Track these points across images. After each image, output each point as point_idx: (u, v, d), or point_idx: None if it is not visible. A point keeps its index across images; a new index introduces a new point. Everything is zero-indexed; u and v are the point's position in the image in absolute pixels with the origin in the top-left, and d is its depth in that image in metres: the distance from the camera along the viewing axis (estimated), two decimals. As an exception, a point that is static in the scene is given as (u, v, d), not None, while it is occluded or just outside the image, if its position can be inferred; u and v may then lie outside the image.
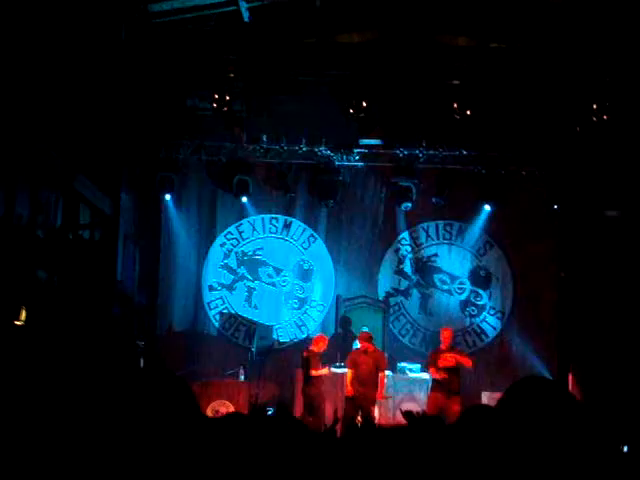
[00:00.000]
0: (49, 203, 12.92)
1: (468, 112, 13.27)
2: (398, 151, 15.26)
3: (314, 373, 13.33)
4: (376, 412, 13.88)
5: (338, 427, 8.24)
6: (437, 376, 12.97)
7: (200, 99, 14.07)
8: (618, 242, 14.89)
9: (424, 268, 16.31)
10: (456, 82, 13.18)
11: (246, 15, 13.18)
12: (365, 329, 14.12)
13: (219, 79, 13.54)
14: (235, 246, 16.48)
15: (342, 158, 15.57)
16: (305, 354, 13.51)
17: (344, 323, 15.62)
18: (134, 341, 14.72)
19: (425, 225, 16.36)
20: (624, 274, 14.75)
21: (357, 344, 13.91)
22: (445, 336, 13.36)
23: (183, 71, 13.75)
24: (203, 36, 13.41)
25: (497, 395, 14.60)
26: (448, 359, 13.00)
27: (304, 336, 16.05)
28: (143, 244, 15.94)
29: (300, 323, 16.25)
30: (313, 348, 13.56)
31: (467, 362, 13.12)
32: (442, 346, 13.30)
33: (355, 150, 15.52)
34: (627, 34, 12.41)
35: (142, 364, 14.54)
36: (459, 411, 11.95)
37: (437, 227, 16.40)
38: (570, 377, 13.66)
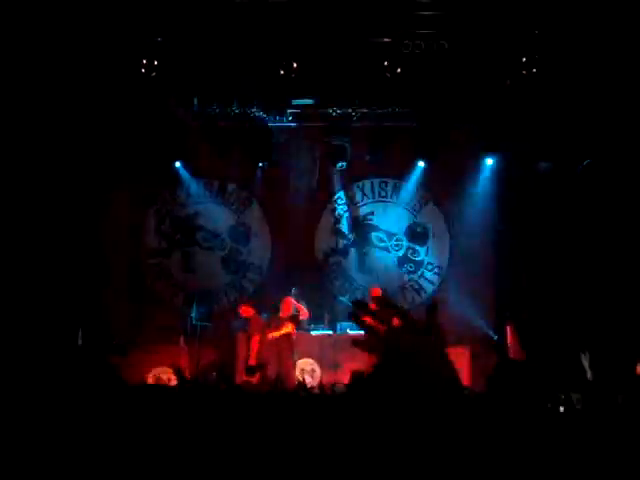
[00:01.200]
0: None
1: (398, 70, 13.22)
2: (331, 110, 15.17)
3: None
4: (318, 371, 13.98)
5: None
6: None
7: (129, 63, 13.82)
8: (551, 194, 15.05)
9: (361, 227, 16.34)
10: (386, 40, 13.12)
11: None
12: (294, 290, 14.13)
13: (146, 43, 13.28)
14: (171, 211, 16.33)
15: (275, 119, 15.45)
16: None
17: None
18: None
19: (360, 184, 16.37)
20: (558, 226, 14.93)
21: None
22: (374, 294, 13.38)
23: (111, 33, 13.45)
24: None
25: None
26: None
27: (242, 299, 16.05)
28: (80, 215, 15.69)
29: (239, 286, 16.20)
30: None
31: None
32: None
33: (288, 110, 15.40)
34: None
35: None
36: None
37: (372, 185, 16.42)
38: (508, 329, 13.81)
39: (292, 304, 13.66)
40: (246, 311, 13.61)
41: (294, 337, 13.53)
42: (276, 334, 13.20)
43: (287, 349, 13.33)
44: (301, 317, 13.69)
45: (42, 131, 14.31)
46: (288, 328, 13.31)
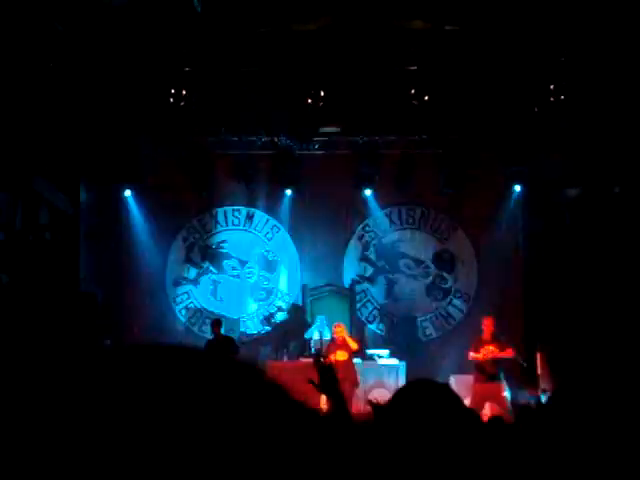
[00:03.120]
0: (8, 205, 12.76)
1: (426, 97, 13.25)
2: (358, 138, 15.20)
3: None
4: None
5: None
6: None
7: (158, 93, 13.92)
8: (579, 221, 14.96)
9: (388, 254, 16.30)
10: (413, 68, 13.15)
11: (198, 6, 13.03)
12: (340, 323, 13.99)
13: (174, 73, 13.39)
14: (198, 239, 16.38)
15: (302, 147, 15.49)
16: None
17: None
18: (100, 341, 14.59)
19: (388, 211, 16.35)
20: (586, 253, 14.83)
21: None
22: (486, 324, 13.31)
23: (140, 64, 13.57)
24: (156, 26, 13.23)
25: (466, 378, 14.69)
26: (489, 351, 13.11)
27: (271, 328, 16.06)
28: (105, 242, 15.77)
29: (267, 315, 16.20)
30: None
31: (508, 354, 13.06)
32: (484, 336, 13.30)
33: (315, 139, 15.44)
34: (582, 13, 12.42)
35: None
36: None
37: (400, 212, 16.40)
38: (538, 358, 13.71)
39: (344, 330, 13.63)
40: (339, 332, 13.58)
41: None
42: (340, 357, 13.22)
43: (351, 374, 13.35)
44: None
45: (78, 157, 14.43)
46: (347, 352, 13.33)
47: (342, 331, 13.48)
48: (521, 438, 3.72)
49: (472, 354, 13.12)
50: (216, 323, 14.32)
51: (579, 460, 3.36)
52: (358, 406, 13.79)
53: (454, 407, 2.56)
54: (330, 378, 4.74)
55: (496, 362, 13.21)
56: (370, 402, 7.34)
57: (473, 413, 2.68)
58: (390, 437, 2.50)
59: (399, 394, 2.68)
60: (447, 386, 2.80)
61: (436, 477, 2.41)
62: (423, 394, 2.58)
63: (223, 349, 13.72)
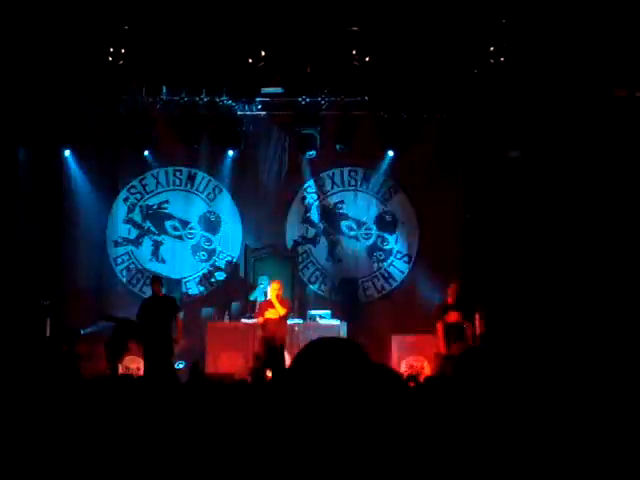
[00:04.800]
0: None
1: (367, 59, 13.23)
2: (300, 99, 15.14)
3: None
4: (287, 359, 14.00)
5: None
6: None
7: (97, 51, 13.73)
8: (520, 182, 15.11)
9: (330, 215, 16.34)
10: (355, 28, 13.11)
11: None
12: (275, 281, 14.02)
13: (113, 31, 13.20)
14: (139, 200, 16.28)
15: (244, 108, 15.41)
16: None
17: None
18: (39, 301, 14.50)
19: (330, 172, 16.36)
20: (526, 215, 15.00)
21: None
22: (452, 290, 13.68)
23: (78, 21, 13.34)
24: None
25: (407, 338, 14.87)
26: (453, 316, 13.39)
27: (210, 288, 16.07)
28: (44, 201, 15.59)
29: (206, 274, 16.18)
30: None
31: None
32: (449, 301, 13.65)
33: (257, 99, 15.36)
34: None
35: (48, 324, 14.38)
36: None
37: (342, 174, 16.42)
38: (477, 317, 13.87)
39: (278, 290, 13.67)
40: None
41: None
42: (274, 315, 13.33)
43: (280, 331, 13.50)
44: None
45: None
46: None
47: (275, 290, 13.52)
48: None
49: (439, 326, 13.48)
50: (156, 280, 14.17)
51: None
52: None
53: (357, 363, 2.59)
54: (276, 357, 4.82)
55: (460, 327, 13.48)
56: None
57: (382, 368, 2.71)
58: (289, 395, 2.53)
59: (301, 353, 2.70)
60: (350, 341, 2.82)
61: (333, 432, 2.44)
62: (324, 352, 2.61)
63: (165, 308, 13.69)
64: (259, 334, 13.55)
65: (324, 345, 2.68)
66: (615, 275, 14.20)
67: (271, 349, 13.11)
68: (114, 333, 13.60)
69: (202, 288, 16.12)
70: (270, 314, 13.41)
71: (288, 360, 13.95)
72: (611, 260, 14.31)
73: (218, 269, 16.14)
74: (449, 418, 3.48)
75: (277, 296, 13.49)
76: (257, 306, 13.77)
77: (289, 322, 14.20)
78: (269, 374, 12.63)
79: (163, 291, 14.00)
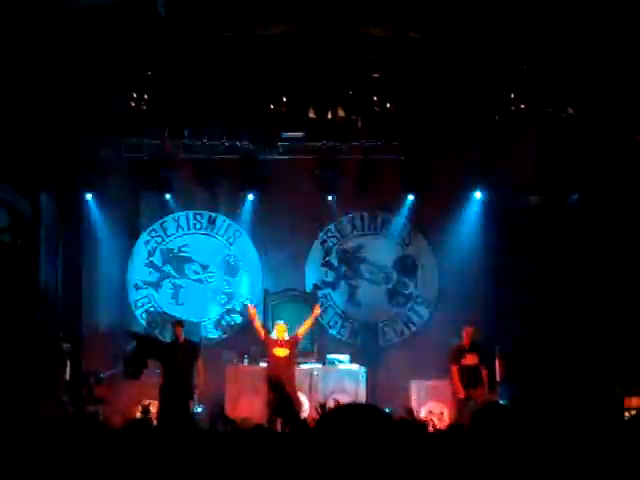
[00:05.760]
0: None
1: (388, 105, 13.31)
2: (320, 143, 15.22)
3: None
4: (306, 405, 13.94)
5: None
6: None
7: (119, 96, 13.86)
8: (540, 228, 15.09)
9: (350, 259, 16.34)
10: (376, 75, 13.21)
11: (162, 10, 13.00)
12: (280, 322, 14.03)
13: (136, 76, 13.34)
14: (160, 243, 16.34)
15: (265, 152, 15.49)
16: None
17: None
18: (59, 344, 14.51)
19: (350, 216, 16.39)
20: (547, 260, 14.96)
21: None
22: (467, 333, 13.69)
23: (101, 67, 13.50)
24: (119, 30, 13.19)
25: (427, 383, 14.77)
26: (469, 358, 13.37)
27: (231, 331, 16.07)
28: (65, 245, 15.66)
29: (229, 319, 16.17)
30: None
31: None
32: (464, 344, 13.68)
33: (278, 144, 15.44)
34: (544, 22, 12.54)
35: (69, 366, 14.39)
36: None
37: (362, 218, 16.45)
38: (497, 364, 13.80)
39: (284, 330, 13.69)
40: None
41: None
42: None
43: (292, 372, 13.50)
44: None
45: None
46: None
47: (281, 332, 13.56)
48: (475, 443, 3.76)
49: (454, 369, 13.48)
50: (178, 324, 14.20)
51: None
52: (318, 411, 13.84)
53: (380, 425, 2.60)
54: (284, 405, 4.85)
55: (477, 370, 13.45)
56: (318, 407, 7.40)
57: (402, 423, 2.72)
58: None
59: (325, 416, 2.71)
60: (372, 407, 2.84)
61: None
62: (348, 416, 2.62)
63: (186, 353, 13.68)
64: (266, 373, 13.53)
65: (348, 410, 2.71)
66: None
67: (278, 388, 13.01)
68: (135, 349, 13.62)
69: (221, 331, 16.12)
70: (278, 352, 13.44)
71: (306, 404, 13.91)
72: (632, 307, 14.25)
73: (237, 312, 16.13)
74: (467, 469, 3.47)
75: (283, 336, 13.57)
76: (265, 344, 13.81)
77: (306, 365, 14.18)
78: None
79: (183, 334, 14.02)
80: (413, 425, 2.89)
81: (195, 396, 13.59)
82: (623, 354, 13.97)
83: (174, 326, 14.24)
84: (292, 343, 13.61)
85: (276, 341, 13.56)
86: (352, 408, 2.75)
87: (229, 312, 16.20)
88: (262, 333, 13.77)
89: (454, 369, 13.57)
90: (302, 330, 13.73)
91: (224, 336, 16.11)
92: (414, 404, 14.55)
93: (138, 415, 13.76)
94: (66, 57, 12.93)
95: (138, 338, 13.98)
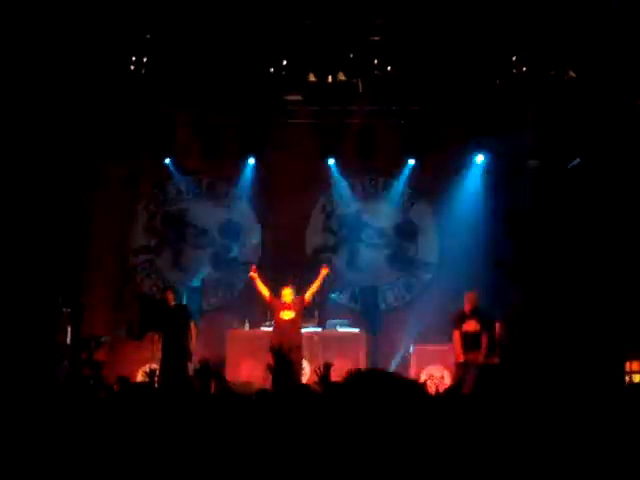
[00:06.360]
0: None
1: (389, 68, 13.25)
2: (321, 107, 15.15)
3: None
4: (307, 368, 13.97)
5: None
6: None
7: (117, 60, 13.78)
8: (540, 192, 15.08)
9: (351, 224, 16.33)
10: (376, 38, 13.14)
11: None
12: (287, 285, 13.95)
13: (136, 40, 13.28)
14: (160, 208, 16.32)
15: (265, 116, 15.42)
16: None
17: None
18: (60, 308, 14.55)
19: (351, 181, 16.34)
20: (547, 224, 14.96)
21: None
22: (469, 299, 13.67)
23: (100, 29, 13.40)
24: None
25: (428, 347, 14.81)
26: (470, 324, 13.33)
27: (232, 296, 16.08)
28: (66, 208, 15.62)
29: (229, 284, 16.18)
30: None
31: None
32: (465, 309, 13.64)
33: (278, 107, 15.37)
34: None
35: (69, 331, 14.44)
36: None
37: (363, 182, 16.41)
38: (497, 326, 13.83)
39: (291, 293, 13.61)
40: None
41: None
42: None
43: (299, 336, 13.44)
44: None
45: (30, 128, 14.27)
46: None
47: (287, 295, 13.48)
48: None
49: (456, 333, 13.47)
50: (168, 289, 14.30)
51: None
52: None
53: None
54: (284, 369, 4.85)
55: (478, 336, 13.47)
56: (316, 371, 7.39)
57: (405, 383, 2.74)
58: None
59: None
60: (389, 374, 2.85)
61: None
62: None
63: (177, 317, 13.76)
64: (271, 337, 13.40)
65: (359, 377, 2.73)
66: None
67: (280, 357, 12.95)
68: (140, 312, 13.84)
69: (222, 296, 16.13)
70: (284, 315, 13.39)
71: (307, 368, 13.94)
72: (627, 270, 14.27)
73: (238, 277, 16.12)
74: (465, 432, 3.48)
75: (291, 299, 13.47)
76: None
77: (306, 330, 14.19)
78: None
79: (175, 300, 14.09)
80: (417, 388, 2.90)
81: (192, 358, 13.64)
82: (624, 319, 14.00)
83: (164, 290, 14.32)
84: (299, 306, 13.48)
85: (283, 304, 13.42)
86: (364, 374, 2.76)
87: (230, 277, 16.20)
88: (267, 295, 13.56)
89: (456, 334, 13.59)
90: (309, 293, 13.56)
91: (225, 301, 16.12)
92: (415, 367, 14.62)
93: (139, 379, 13.87)
94: (67, 33, 12.87)
95: (142, 301, 14.10)
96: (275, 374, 10.45)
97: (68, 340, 14.42)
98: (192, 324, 13.96)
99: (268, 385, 12.21)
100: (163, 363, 13.51)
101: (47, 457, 3.62)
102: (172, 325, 13.64)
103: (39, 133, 14.42)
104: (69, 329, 14.47)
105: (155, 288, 16.06)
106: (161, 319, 13.75)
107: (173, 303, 14.01)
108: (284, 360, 11.78)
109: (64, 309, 14.57)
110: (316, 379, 6.89)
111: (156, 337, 14.04)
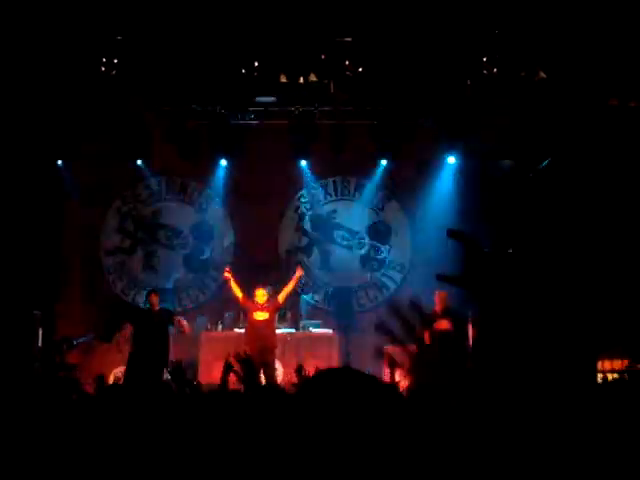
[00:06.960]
0: None
1: (360, 69, 13.28)
2: (293, 108, 15.15)
3: None
4: (280, 369, 13.96)
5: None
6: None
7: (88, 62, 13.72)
8: (512, 191, 15.14)
9: (324, 225, 16.34)
10: (347, 39, 13.16)
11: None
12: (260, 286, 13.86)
13: (107, 41, 13.22)
14: (132, 209, 16.26)
15: (237, 117, 15.41)
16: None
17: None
18: (31, 311, 14.45)
19: (323, 182, 16.36)
20: (519, 224, 15.02)
21: None
22: (439, 299, 13.59)
23: (71, 31, 13.33)
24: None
25: (399, 349, 14.83)
26: (442, 324, 13.36)
27: (205, 298, 16.04)
28: (39, 212, 15.54)
29: (202, 285, 16.16)
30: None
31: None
32: (436, 309, 13.56)
33: (250, 109, 15.37)
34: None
35: (40, 334, 14.34)
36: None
37: (335, 183, 16.43)
38: (470, 328, 13.86)
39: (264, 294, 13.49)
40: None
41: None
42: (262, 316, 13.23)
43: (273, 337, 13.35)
44: None
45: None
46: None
47: (260, 296, 13.41)
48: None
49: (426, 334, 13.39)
50: (153, 293, 13.93)
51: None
52: (291, 375, 13.88)
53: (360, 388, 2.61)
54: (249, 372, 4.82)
55: (449, 336, 13.47)
56: (297, 371, 7.39)
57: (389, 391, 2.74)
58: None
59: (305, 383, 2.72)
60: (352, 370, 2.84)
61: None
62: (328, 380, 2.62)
63: (161, 321, 13.56)
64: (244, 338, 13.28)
65: (329, 375, 2.71)
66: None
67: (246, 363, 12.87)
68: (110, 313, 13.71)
69: (195, 297, 16.10)
70: (258, 316, 13.27)
71: (280, 369, 13.93)
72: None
73: (211, 278, 16.10)
74: (438, 431, 3.49)
75: (264, 301, 13.36)
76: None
77: (282, 331, 14.15)
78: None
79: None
80: (389, 386, 2.90)
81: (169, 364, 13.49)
82: (599, 317, 14.06)
83: (149, 294, 13.98)
84: (272, 307, 13.40)
85: (256, 305, 13.33)
86: (333, 372, 2.75)
87: (203, 278, 16.17)
88: (240, 296, 13.45)
89: (426, 334, 13.58)
90: (283, 294, 13.46)
91: (198, 303, 16.08)
92: (387, 368, 14.63)
93: (111, 381, 13.80)
94: (35, 25, 12.78)
95: (114, 303, 13.99)
96: (245, 381, 10.42)
97: (40, 343, 14.33)
98: (178, 319, 13.59)
99: (241, 387, 12.24)
100: (131, 366, 13.14)
101: (18, 462, 3.60)
102: (155, 329, 13.27)
103: (9, 135, 14.32)
104: (40, 332, 14.38)
105: (128, 289, 16.00)
106: (145, 323, 13.37)
107: (157, 308, 13.63)
108: (251, 366, 11.74)
109: (35, 312, 14.47)
110: (291, 380, 6.91)
111: (122, 339, 13.93)
